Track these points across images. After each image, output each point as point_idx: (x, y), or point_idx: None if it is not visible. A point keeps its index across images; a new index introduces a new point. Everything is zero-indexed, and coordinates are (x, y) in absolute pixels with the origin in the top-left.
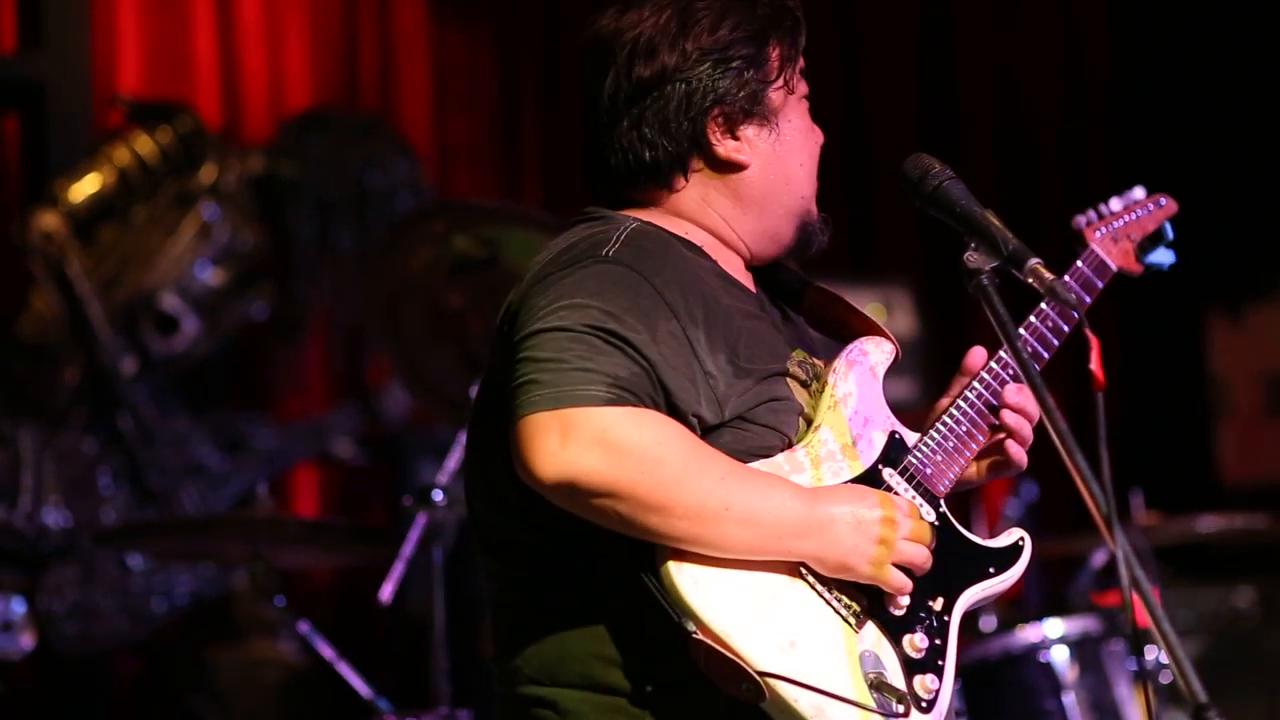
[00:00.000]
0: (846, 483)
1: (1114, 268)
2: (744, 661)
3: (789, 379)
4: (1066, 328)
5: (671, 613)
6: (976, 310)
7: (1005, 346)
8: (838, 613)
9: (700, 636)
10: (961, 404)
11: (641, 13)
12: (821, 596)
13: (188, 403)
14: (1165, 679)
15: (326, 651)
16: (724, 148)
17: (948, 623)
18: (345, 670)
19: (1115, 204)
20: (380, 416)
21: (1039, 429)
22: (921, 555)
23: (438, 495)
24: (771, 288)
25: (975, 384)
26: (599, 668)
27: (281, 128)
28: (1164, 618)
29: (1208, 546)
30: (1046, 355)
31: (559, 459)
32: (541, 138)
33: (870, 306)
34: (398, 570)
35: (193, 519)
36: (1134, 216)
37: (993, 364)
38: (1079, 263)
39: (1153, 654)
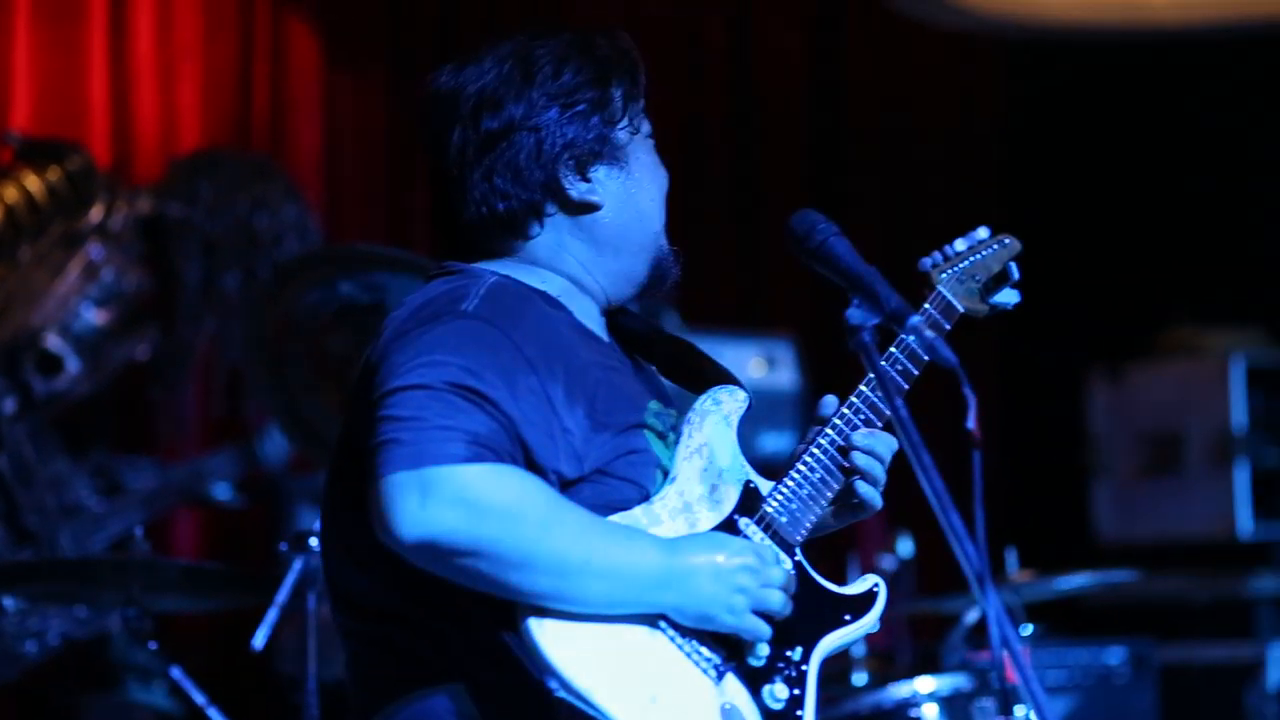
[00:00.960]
0: (706, 532)
1: (960, 309)
2: (607, 718)
3: (646, 430)
4: (905, 385)
5: (533, 671)
6: (859, 365)
7: (858, 393)
8: (698, 665)
9: (562, 694)
10: (815, 451)
11: (482, 65)
12: (681, 649)
13: (67, 443)
14: None
15: (198, 697)
16: (577, 191)
17: (806, 672)
18: (217, 717)
19: (960, 244)
20: (260, 461)
21: (917, 486)
22: (780, 601)
23: (314, 541)
24: (623, 336)
25: (828, 430)
26: None
27: (171, 167)
28: (1032, 676)
29: (1080, 604)
30: (879, 423)
31: (420, 519)
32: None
33: (754, 360)
34: (271, 616)
35: (68, 561)
36: (979, 257)
37: (844, 410)
38: (926, 305)
39: (1022, 712)
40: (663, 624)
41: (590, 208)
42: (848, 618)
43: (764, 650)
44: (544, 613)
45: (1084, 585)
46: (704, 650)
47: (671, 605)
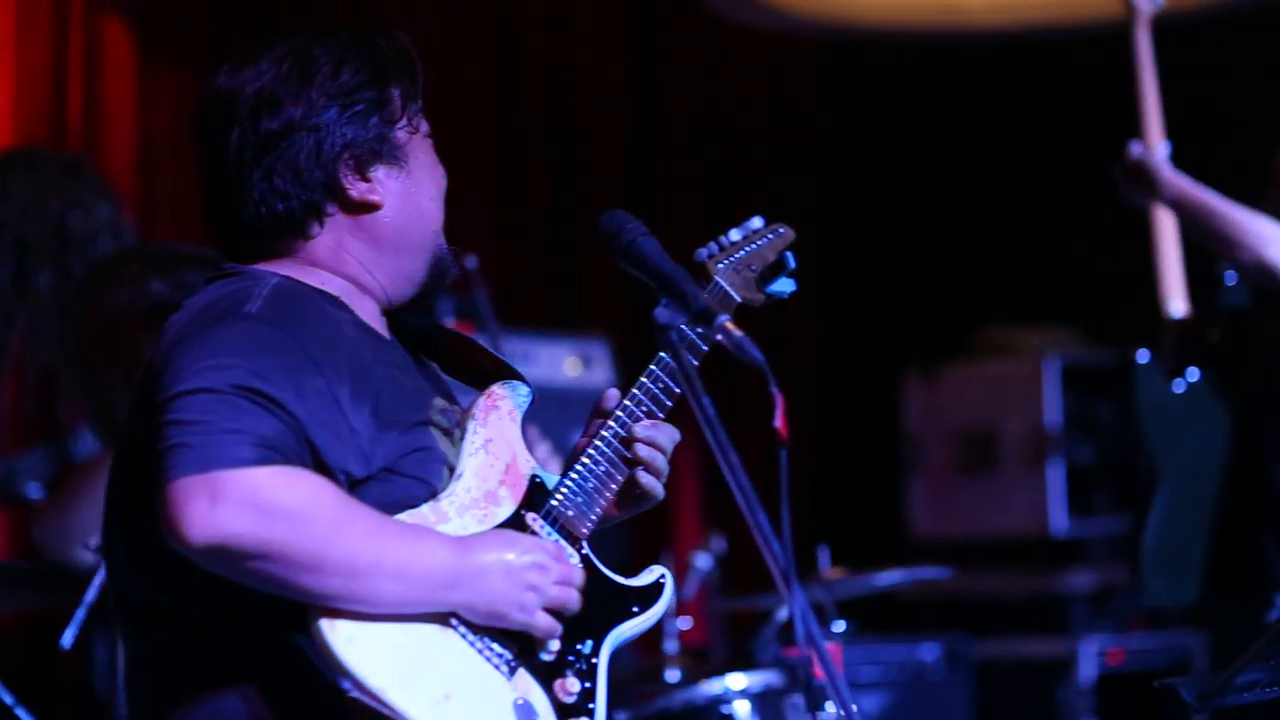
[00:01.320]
0: (494, 529)
1: (737, 299)
2: (401, 717)
3: (433, 428)
4: (677, 388)
5: (325, 671)
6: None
7: (640, 385)
8: (490, 661)
9: (356, 694)
10: (598, 443)
11: (259, 66)
12: (473, 646)
13: None
14: None
15: (6, 697)
16: (357, 190)
17: (596, 665)
18: (25, 717)
19: (735, 235)
20: (72, 460)
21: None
22: (571, 598)
23: None
24: (405, 335)
25: (610, 423)
26: None
27: None
28: (836, 672)
29: (895, 602)
30: (661, 415)
31: (209, 523)
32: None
33: (569, 360)
34: (80, 615)
35: None
36: (754, 247)
37: (626, 402)
38: (704, 295)
39: (832, 709)
40: (454, 622)
41: (370, 207)
42: (636, 609)
43: (555, 645)
44: (335, 614)
45: (897, 582)
46: (495, 646)
47: (462, 604)
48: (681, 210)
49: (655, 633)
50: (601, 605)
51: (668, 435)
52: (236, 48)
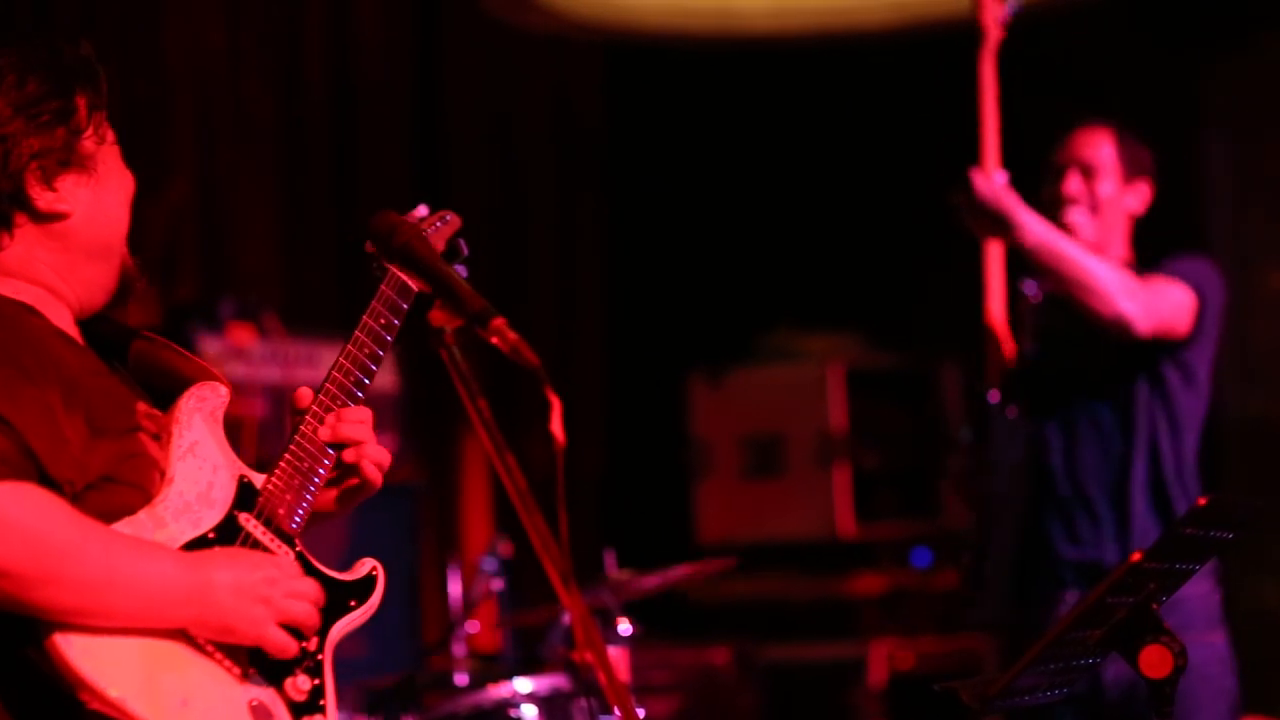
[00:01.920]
0: (226, 547)
1: (415, 289)
2: None
3: (142, 433)
4: (374, 367)
5: (63, 686)
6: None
7: (329, 377)
8: (222, 665)
9: (95, 707)
10: (300, 439)
11: None
12: (204, 651)
13: None
14: None
15: None
16: (45, 201)
17: (323, 661)
18: None
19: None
20: None
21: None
22: (307, 612)
23: None
24: (97, 343)
25: (309, 419)
26: None
27: None
28: (615, 675)
29: (684, 605)
30: (361, 395)
31: None
32: None
33: None
34: None
35: None
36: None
37: (320, 396)
38: (384, 286)
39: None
40: (188, 635)
41: (59, 216)
42: (353, 604)
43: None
44: (70, 629)
45: (683, 576)
46: (226, 650)
47: (193, 619)
48: (466, 215)
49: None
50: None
51: (356, 416)
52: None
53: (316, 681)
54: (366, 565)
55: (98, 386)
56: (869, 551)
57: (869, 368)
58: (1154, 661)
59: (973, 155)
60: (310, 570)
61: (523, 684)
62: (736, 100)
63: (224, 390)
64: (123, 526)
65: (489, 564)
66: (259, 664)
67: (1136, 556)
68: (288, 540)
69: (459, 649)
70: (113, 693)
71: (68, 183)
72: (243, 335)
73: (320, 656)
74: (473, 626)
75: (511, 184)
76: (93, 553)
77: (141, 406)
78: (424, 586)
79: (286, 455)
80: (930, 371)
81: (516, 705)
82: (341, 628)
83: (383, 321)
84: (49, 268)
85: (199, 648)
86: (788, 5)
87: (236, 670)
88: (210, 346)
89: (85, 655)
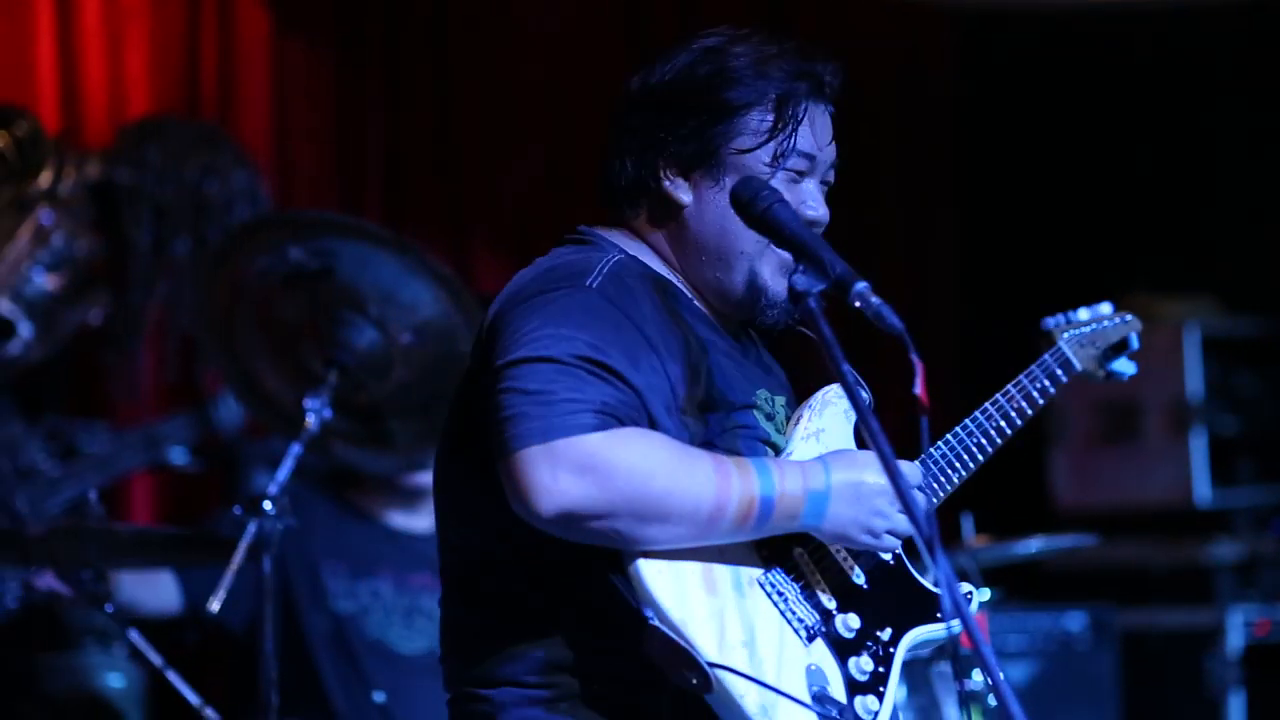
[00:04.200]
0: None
1: (1078, 367)
2: (696, 650)
3: (756, 411)
4: (1053, 389)
5: (631, 601)
6: None
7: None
8: (790, 624)
9: (657, 623)
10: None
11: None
12: (777, 607)
13: (21, 408)
14: (992, 701)
15: (155, 659)
16: (671, 185)
17: (893, 654)
18: (174, 678)
19: (1083, 313)
20: (215, 425)
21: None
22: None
23: (268, 505)
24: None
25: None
26: (545, 667)
27: (120, 134)
28: (983, 640)
29: (1040, 571)
30: (1030, 414)
31: (552, 493)
32: (383, 154)
33: None
34: (227, 579)
35: (24, 524)
36: (1100, 327)
37: (977, 414)
38: (1046, 356)
39: (979, 677)
40: (762, 580)
41: (679, 206)
42: (939, 616)
43: (855, 623)
44: (654, 555)
45: (1042, 550)
46: (798, 612)
47: (810, 527)
48: None
49: None
50: (908, 601)
51: None
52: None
53: (881, 669)
54: (964, 587)
55: (720, 365)
56: (1226, 518)
57: (1225, 332)
58: None
59: None
60: (905, 572)
61: None
62: (1090, 66)
63: (866, 397)
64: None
65: None
66: (828, 634)
67: None
68: None
69: None
70: (677, 614)
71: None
72: None
73: (891, 649)
74: None
75: (858, 152)
76: (699, 482)
77: (762, 392)
78: None
79: (916, 462)
80: None
81: None
82: (921, 634)
83: (1038, 386)
84: (673, 252)
85: (773, 600)
86: None
87: (802, 632)
88: None
89: (659, 575)
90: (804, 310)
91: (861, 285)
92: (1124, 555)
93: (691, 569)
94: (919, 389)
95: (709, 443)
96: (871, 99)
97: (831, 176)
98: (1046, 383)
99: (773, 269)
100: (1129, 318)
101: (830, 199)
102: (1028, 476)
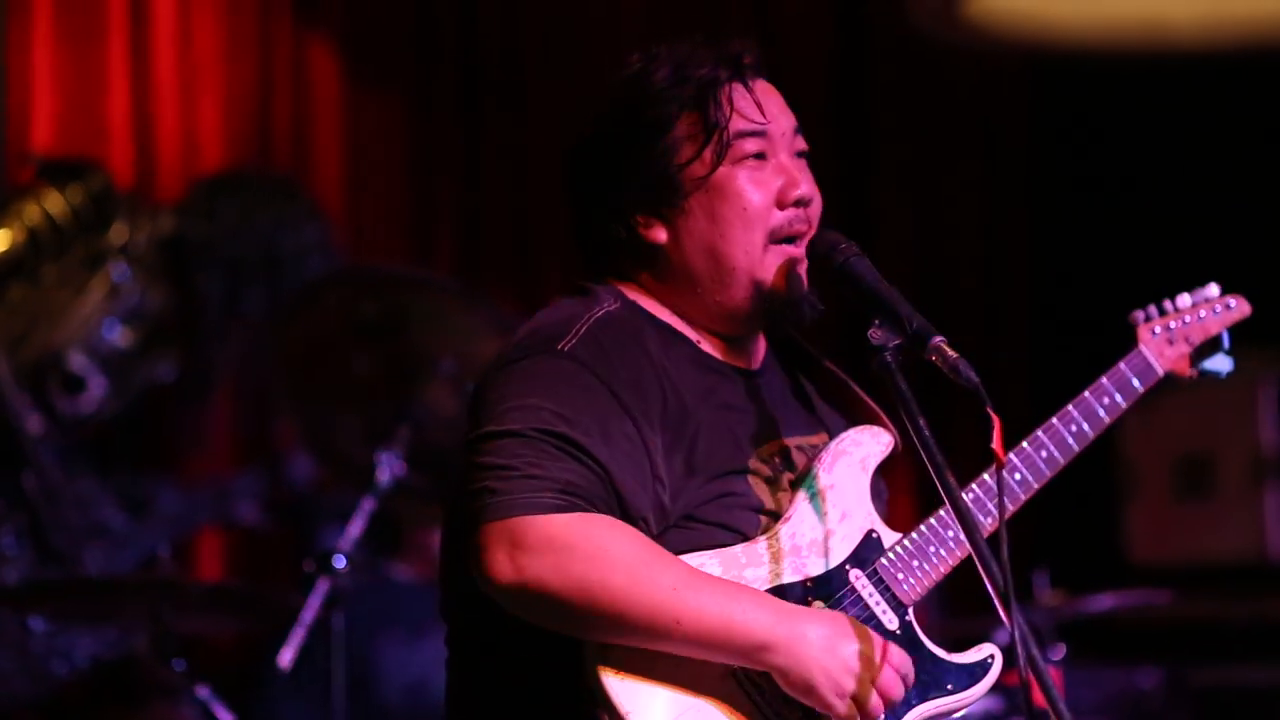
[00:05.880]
0: (810, 579)
1: (1160, 372)
2: None
3: (750, 475)
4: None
5: (586, 701)
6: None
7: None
8: None
9: None
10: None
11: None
12: (753, 699)
13: (93, 463)
14: None
15: (225, 716)
16: (643, 229)
17: None
18: None
19: (1184, 300)
20: (285, 481)
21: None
22: (891, 698)
23: (339, 561)
24: (790, 358)
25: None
26: None
27: (193, 188)
28: (1058, 698)
29: (1114, 627)
30: (1035, 486)
31: (509, 569)
32: (456, 205)
33: None
34: (298, 635)
35: (94, 580)
36: (1199, 317)
37: (1024, 445)
38: (1121, 364)
39: None
40: (739, 677)
41: (657, 246)
42: (950, 687)
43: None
44: (614, 661)
45: (1115, 605)
46: (783, 712)
47: (778, 667)
48: (887, 230)
49: None
50: (916, 675)
51: None
52: (442, 65)
53: None
54: (985, 650)
55: (714, 422)
56: None
57: None
58: None
59: None
60: (914, 643)
61: None
62: (1163, 114)
63: (887, 439)
64: (710, 557)
65: None
66: None
67: None
68: (898, 608)
69: None
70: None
71: (669, 212)
72: None
73: None
74: None
75: (934, 199)
76: (660, 592)
77: (763, 449)
78: None
79: (931, 520)
80: None
81: None
82: (926, 710)
83: (1105, 401)
84: (669, 293)
85: (757, 699)
86: (1219, 16)
87: None
88: None
89: (622, 685)
90: (880, 365)
91: (938, 339)
92: (1198, 611)
93: (655, 683)
94: (995, 443)
95: (689, 515)
96: (948, 146)
97: (801, 144)
98: (1117, 397)
99: (776, 269)
100: (1234, 302)
101: (904, 246)
102: (1101, 531)
